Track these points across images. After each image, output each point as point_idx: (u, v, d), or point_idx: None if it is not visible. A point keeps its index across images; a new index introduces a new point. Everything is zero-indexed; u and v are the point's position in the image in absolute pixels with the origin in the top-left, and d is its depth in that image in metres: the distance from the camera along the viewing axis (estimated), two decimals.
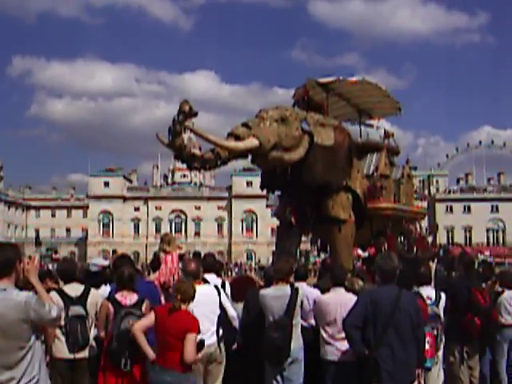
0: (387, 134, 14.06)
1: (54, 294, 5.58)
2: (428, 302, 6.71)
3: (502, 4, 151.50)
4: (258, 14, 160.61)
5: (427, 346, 6.16)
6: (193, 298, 5.33)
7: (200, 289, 6.15)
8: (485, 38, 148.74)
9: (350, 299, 5.86)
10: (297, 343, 6.20)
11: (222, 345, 6.26)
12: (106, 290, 6.82)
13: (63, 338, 5.66)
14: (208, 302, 6.04)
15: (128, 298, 5.72)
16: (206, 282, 6.66)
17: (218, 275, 7.71)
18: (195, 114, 8.80)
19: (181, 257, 10.29)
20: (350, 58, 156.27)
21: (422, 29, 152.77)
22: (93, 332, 5.94)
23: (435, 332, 6.69)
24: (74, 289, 5.92)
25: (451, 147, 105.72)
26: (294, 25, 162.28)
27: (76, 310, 5.69)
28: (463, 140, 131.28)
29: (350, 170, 11.17)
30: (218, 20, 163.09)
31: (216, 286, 6.47)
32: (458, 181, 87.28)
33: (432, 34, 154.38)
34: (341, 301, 6.24)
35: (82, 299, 5.83)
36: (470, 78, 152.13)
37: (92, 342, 5.89)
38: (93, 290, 6.07)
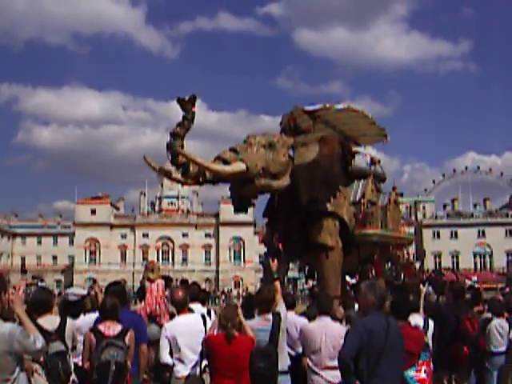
0: (373, 161, 14.10)
1: None
2: None
3: (483, 33, 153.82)
4: (244, 42, 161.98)
5: (424, 375, 6.09)
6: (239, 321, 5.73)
7: (183, 319, 6.11)
8: (468, 66, 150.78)
9: (336, 328, 5.82)
10: (283, 366, 6.15)
11: (205, 375, 6.18)
12: (84, 319, 6.70)
13: (43, 374, 5.46)
14: (191, 332, 5.97)
15: (111, 328, 5.62)
16: (191, 311, 6.59)
17: (204, 304, 7.65)
18: (195, 98, 9.10)
19: (167, 279, 10.20)
20: (335, 85, 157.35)
21: (406, 57, 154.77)
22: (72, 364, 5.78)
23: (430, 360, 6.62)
24: (50, 321, 5.67)
25: (436, 173, 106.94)
26: (280, 53, 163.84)
27: (56, 345, 5.45)
28: (448, 166, 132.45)
29: (343, 176, 11.05)
30: (204, 48, 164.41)
31: (203, 316, 6.41)
32: (444, 206, 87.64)
33: (416, 62, 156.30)
34: (326, 329, 6.18)
35: (59, 333, 5.60)
36: (454, 105, 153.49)
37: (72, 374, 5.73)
38: (69, 321, 5.86)
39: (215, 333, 5.86)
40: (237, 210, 11.15)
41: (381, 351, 4.87)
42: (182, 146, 9.26)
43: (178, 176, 9.92)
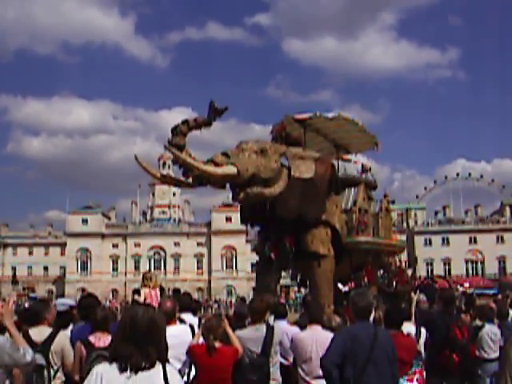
0: (364, 168, 14.15)
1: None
2: None
3: (471, 40, 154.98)
4: (233, 52, 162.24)
5: None
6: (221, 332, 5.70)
7: (171, 330, 6.06)
8: (456, 73, 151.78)
9: (327, 337, 5.78)
10: (275, 378, 6.12)
11: None
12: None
13: None
14: (178, 343, 5.89)
15: (102, 339, 5.57)
16: (182, 321, 6.55)
17: (195, 314, 7.60)
18: (226, 109, 9.44)
19: (162, 290, 10.22)
20: (324, 94, 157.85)
21: (395, 65, 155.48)
22: (61, 378, 5.63)
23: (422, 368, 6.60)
24: (41, 333, 5.54)
25: (427, 180, 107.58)
26: (269, 62, 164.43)
27: (36, 358, 5.33)
28: (438, 173, 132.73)
29: (329, 202, 11.18)
30: (194, 58, 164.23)
31: (191, 326, 6.36)
32: (435, 213, 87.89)
33: (404, 70, 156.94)
34: (317, 338, 6.15)
35: (45, 346, 5.44)
36: (443, 113, 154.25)
37: None
38: (60, 334, 5.68)
39: (199, 342, 5.82)
40: (243, 221, 11.44)
41: (367, 359, 4.81)
42: (184, 139, 9.39)
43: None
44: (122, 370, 3.01)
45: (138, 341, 3.04)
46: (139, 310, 3.19)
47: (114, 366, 3.03)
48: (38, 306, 6.02)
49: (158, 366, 3.05)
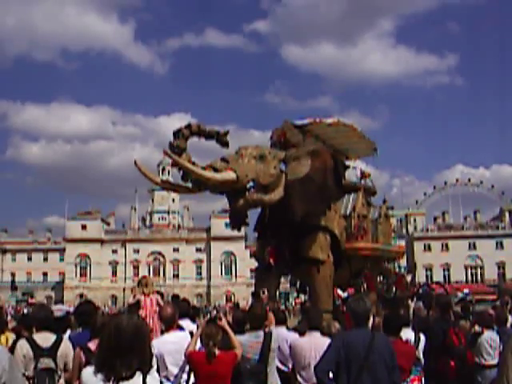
0: (364, 175, 14.14)
1: (23, 343, 5.42)
2: None
3: (469, 46, 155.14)
4: (232, 58, 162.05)
5: None
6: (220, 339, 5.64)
7: (171, 337, 6.05)
8: (454, 79, 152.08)
9: (326, 343, 5.76)
10: None
11: None
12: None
13: None
14: (179, 350, 5.88)
15: None
16: (180, 328, 6.53)
17: (193, 320, 7.58)
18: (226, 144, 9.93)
19: (158, 295, 10.20)
20: (323, 100, 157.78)
21: (393, 71, 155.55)
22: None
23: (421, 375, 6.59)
24: (46, 338, 5.58)
25: (425, 186, 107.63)
26: (268, 69, 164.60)
27: (46, 362, 5.38)
28: (436, 179, 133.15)
29: (337, 189, 11.00)
30: (192, 64, 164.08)
31: (191, 333, 6.34)
32: (435, 219, 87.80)
33: (403, 76, 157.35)
34: (316, 345, 6.13)
35: (52, 350, 5.50)
36: (442, 118, 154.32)
37: None
38: (65, 341, 5.73)
39: (197, 347, 5.79)
40: (233, 227, 11.03)
41: (361, 366, 4.75)
42: (186, 143, 9.42)
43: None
44: (107, 380, 2.99)
45: (123, 350, 3.01)
46: (123, 318, 3.16)
47: (99, 376, 3.02)
48: (47, 313, 6.00)
49: (139, 376, 3.02)
